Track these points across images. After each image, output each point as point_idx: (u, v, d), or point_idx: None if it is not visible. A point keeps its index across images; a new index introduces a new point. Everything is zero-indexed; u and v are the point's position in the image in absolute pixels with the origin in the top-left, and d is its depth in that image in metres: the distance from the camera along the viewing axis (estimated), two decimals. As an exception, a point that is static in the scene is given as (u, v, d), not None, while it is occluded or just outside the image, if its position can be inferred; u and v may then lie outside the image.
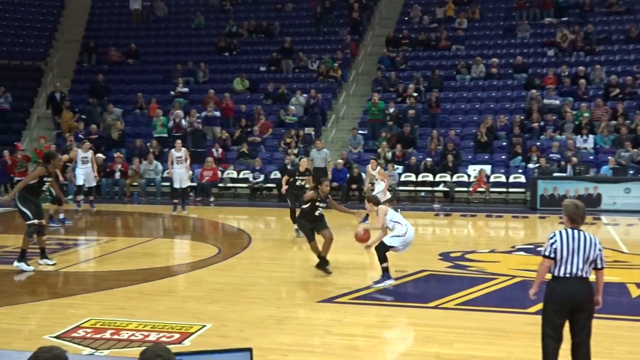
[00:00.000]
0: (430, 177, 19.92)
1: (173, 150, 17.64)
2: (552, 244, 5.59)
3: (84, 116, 23.41)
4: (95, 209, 17.56)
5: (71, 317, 7.87)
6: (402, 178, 20.02)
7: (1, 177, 21.18)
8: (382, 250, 9.47)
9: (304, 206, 10.57)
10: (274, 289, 9.50)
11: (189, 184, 18.29)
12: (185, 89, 24.62)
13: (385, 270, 9.42)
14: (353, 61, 25.98)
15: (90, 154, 17.02)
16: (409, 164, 20.29)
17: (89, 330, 7.35)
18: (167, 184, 20.11)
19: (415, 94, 22.54)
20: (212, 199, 19.65)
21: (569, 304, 5.54)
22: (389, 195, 15.61)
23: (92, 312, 8.05)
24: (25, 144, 22.71)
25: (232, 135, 22.23)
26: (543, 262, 5.66)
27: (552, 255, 5.57)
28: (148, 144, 21.64)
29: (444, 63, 24.98)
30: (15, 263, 10.38)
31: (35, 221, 10.41)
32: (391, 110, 22.02)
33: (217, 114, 22.76)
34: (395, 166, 19.89)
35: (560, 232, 5.63)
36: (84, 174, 16.86)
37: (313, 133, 22.50)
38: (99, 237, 14.15)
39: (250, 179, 20.40)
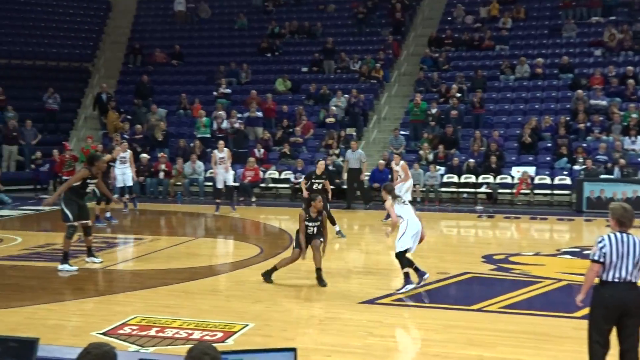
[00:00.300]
0: (472, 179, 19.72)
1: (216, 151, 17.81)
2: (602, 248, 5.48)
3: (129, 116, 23.80)
4: (136, 207, 17.77)
5: (117, 314, 8.01)
6: (445, 179, 19.85)
7: (49, 176, 21.68)
8: (401, 256, 9.36)
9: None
10: (316, 289, 9.52)
11: (232, 184, 18.41)
12: (228, 90, 24.85)
13: (406, 276, 9.26)
14: (395, 61, 25.88)
15: (128, 154, 17.07)
16: (451, 165, 20.12)
17: (134, 327, 7.48)
18: (210, 183, 20.36)
19: (458, 95, 22.35)
20: (253, 199, 19.78)
21: (617, 309, 5.42)
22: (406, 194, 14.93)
23: (137, 310, 8.18)
24: (72, 143, 23.19)
25: (274, 136, 22.35)
26: (592, 266, 5.54)
27: (602, 260, 5.46)
28: (191, 144, 21.90)
29: (488, 63, 24.71)
30: (59, 266, 10.52)
31: (75, 223, 10.55)
32: (433, 110, 21.87)
33: (259, 114, 22.91)
34: (438, 167, 19.75)
35: (609, 236, 5.52)
36: (122, 174, 16.97)
37: (354, 134, 22.47)
38: (144, 235, 14.37)
39: (292, 180, 20.48)
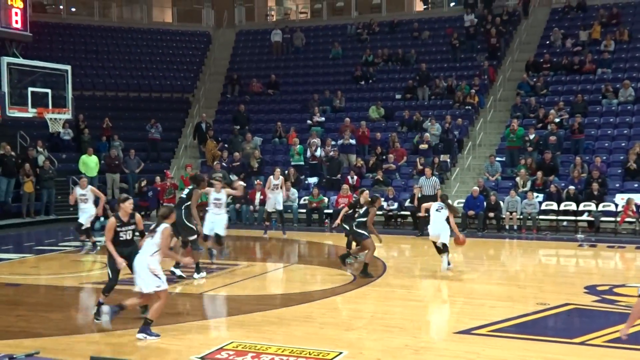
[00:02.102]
0: (573, 206, 19.01)
1: (272, 177, 18.54)
2: None
3: (226, 145, 24.49)
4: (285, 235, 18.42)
5: (215, 339, 8.18)
6: (543, 207, 19.23)
7: (153, 203, 22.51)
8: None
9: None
10: (410, 317, 9.40)
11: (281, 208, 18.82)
12: (322, 118, 25.17)
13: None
14: (491, 87, 25.49)
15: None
16: (549, 192, 19.49)
17: (231, 352, 7.61)
18: (304, 210, 20.61)
19: (557, 120, 21.71)
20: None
21: None
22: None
23: (234, 335, 8.33)
24: (173, 171, 24.06)
25: (367, 163, 22.40)
26: None
27: None
28: (286, 172, 22.23)
29: (588, 87, 23.93)
30: (195, 275, 11.97)
31: (196, 236, 11.87)
32: (531, 136, 21.33)
33: (353, 141, 23.04)
34: (535, 194, 19.18)
35: None
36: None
37: (449, 160, 22.22)
38: (239, 261, 14.64)
39: (385, 207, 20.40)
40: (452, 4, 31.68)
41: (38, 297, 11.11)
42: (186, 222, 11.83)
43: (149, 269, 8.17)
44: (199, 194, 12.09)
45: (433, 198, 18.14)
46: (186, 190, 12.34)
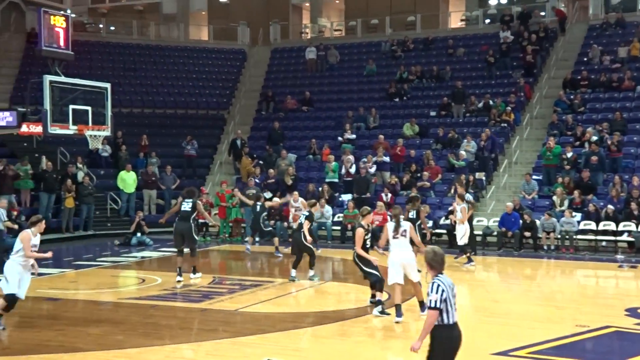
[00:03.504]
0: (612, 226, 18.67)
1: (291, 200, 19.14)
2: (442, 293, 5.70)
3: (261, 162, 24.64)
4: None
5: (249, 356, 8.21)
6: (581, 226, 18.92)
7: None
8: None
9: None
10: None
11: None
12: (353, 136, 25.17)
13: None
14: (527, 104, 25.27)
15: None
16: (588, 211, 19.18)
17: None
18: (338, 227, 20.59)
19: (595, 138, 21.40)
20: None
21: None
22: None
23: (268, 352, 8.35)
24: (208, 188, 24.26)
25: (401, 180, 22.31)
26: (433, 314, 5.71)
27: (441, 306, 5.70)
28: (319, 189, 22.27)
29: (627, 105, 23.56)
30: (191, 275, 13.62)
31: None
32: (569, 154, 21.04)
33: (387, 159, 22.98)
34: (574, 213, 18.89)
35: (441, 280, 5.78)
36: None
37: (484, 178, 22.03)
38: (274, 278, 14.69)
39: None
40: (487, 21, 31.55)
41: (76, 312, 11.28)
42: (194, 234, 13.83)
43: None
44: (201, 205, 14.23)
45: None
46: (190, 203, 13.73)
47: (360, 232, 10.72)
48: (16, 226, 16.77)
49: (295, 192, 19.64)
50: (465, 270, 15.31)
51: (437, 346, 5.72)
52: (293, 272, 13.68)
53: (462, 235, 15.95)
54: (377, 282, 10.69)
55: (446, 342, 5.72)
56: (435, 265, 5.79)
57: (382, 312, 10.45)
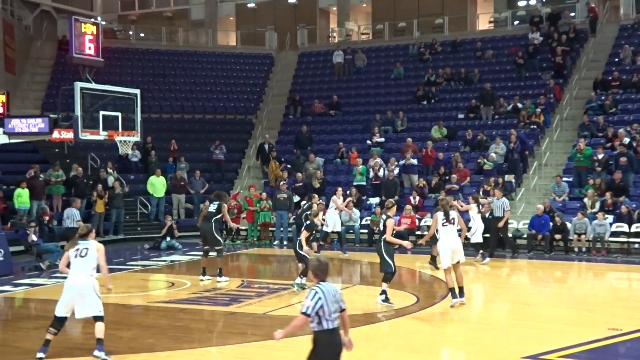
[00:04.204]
0: (645, 228, 18.38)
1: (334, 196, 19.53)
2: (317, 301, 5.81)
3: (289, 165, 24.71)
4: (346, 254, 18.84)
5: (277, 359, 8.22)
6: (613, 228, 18.63)
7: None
8: None
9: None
10: (474, 341, 9.25)
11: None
12: (381, 139, 25.12)
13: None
14: (557, 106, 24.99)
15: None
16: (620, 213, 18.89)
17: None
18: (366, 230, 20.56)
19: (627, 140, 21.07)
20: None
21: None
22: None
23: (296, 356, 8.34)
24: (237, 190, 24.35)
25: (430, 183, 22.20)
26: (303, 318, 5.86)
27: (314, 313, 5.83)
28: (347, 192, 22.24)
29: (660, 105, 23.20)
30: (218, 278, 13.73)
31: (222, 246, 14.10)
32: (600, 156, 20.75)
33: (415, 162, 22.88)
34: (606, 215, 18.62)
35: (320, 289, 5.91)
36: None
37: (513, 181, 21.83)
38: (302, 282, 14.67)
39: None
40: (516, 22, 31.28)
41: (107, 316, 11.34)
42: (215, 234, 14.00)
43: None
44: (226, 208, 14.36)
45: (500, 220, 17.66)
46: (215, 205, 14.09)
47: (390, 222, 11.48)
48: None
49: (339, 189, 20.50)
50: (482, 267, 15.61)
51: (319, 351, 5.90)
52: (298, 280, 13.13)
53: (473, 233, 16.65)
54: (389, 274, 11.64)
55: (328, 346, 5.90)
56: (319, 273, 5.99)
57: (386, 300, 11.48)
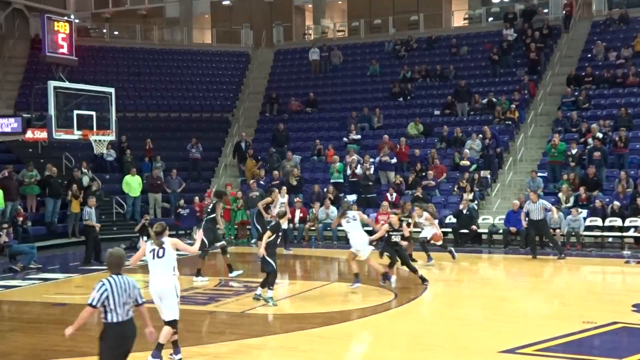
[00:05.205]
0: (618, 222, 18.61)
1: (279, 195, 18.53)
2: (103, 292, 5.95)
3: (267, 164, 24.65)
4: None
5: (255, 357, 8.21)
6: (587, 222, 18.84)
7: (192, 221, 22.67)
8: None
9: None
10: (452, 336, 9.31)
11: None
12: (358, 136, 25.17)
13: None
14: (531, 102, 25.23)
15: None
16: (594, 207, 19.13)
17: (272, 371, 7.62)
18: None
19: (600, 135, 21.34)
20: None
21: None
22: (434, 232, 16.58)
23: (275, 354, 8.36)
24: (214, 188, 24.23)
25: (406, 180, 22.29)
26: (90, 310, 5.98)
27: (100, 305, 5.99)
28: (324, 189, 22.27)
29: (632, 100, 23.50)
30: (194, 278, 13.51)
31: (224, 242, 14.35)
32: (574, 151, 20.99)
33: (390, 159, 22.92)
34: (580, 210, 18.83)
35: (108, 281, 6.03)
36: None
37: (489, 176, 22.00)
38: (279, 280, 14.66)
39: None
40: (490, 19, 31.51)
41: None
42: (206, 232, 13.49)
43: None
44: (221, 206, 14.36)
45: (541, 222, 17.07)
46: (211, 204, 14.12)
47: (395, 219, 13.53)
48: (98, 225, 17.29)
49: (284, 187, 20.15)
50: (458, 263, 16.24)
51: (103, 344, 6.05)
52: (258, 291, 11.89)
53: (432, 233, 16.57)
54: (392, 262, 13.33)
55: (112, 340, 6.01)
56: (111, 266, 6.11)
57: (386, 278, 12.81)
